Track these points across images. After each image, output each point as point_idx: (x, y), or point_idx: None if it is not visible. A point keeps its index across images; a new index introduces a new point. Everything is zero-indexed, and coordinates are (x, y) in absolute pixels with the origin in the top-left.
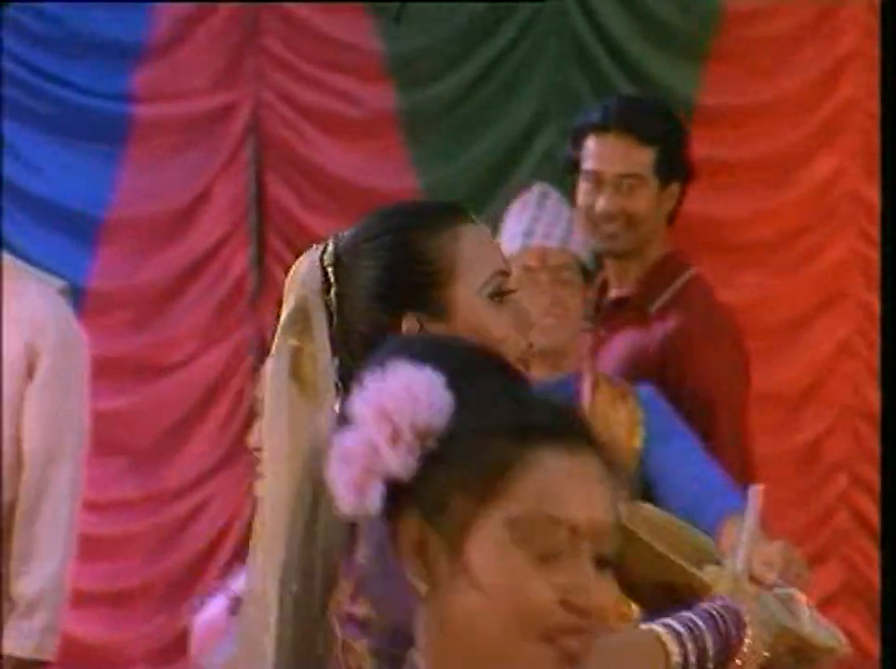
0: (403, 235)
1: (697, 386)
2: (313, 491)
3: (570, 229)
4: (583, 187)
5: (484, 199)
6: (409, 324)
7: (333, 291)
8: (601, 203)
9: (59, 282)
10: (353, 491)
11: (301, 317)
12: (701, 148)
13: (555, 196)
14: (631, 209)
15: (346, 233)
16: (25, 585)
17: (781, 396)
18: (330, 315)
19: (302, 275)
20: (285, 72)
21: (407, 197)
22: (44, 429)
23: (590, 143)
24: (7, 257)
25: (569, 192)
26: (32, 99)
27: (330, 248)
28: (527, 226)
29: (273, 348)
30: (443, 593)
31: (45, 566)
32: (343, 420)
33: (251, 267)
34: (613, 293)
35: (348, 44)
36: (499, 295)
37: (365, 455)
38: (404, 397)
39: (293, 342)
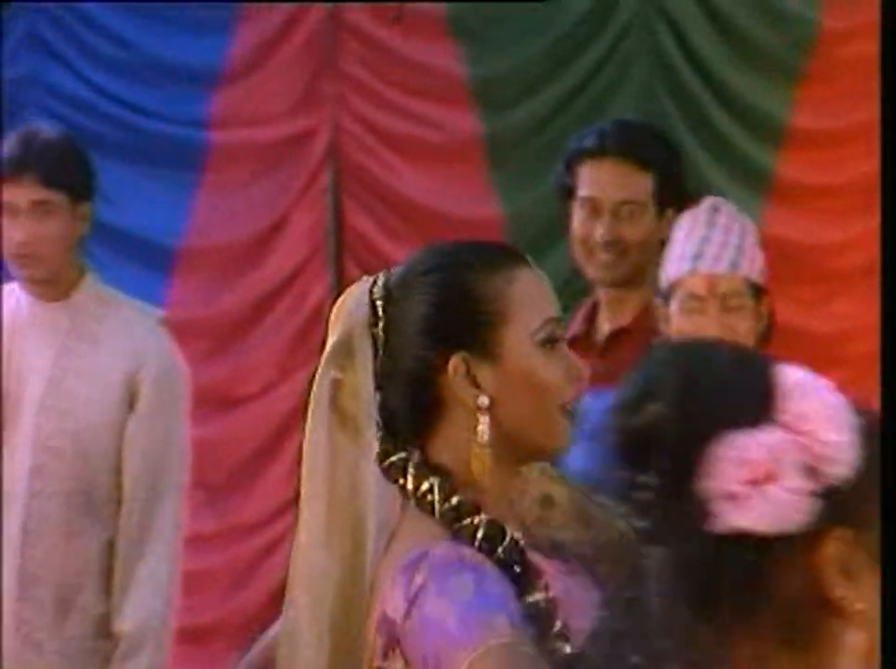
0: (457, 273)
1: None
2: (352, 526)
3: (741, 247)
4: (578, 214)
5: (567, 226)
6: (456, 363)
7: (381, 324)
8: (601, 232)
9: (158, 312)
10: (787, 508)
11: (346, 349)
12: (793, 172)
13: (726, 210)
14: (631, 237)
15: (398, 267)
16: (126, 622)
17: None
18: (376, 349)
19: (350, 307)
20: (364, 97)
21: (489, 224)
22: (147, 462)
23: (586, 169)
24: (106, 287)
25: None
26: (106, 127)
27: (381, 281)
28: (696, 248)
29: (315, 379)
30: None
31: (149, 602)
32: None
33: (329, 295)
34: (609, 324)
35: (428, 67)
36: (550, 342)
37: (809, 467)
38: (837, 401)
39: (335, 374)
